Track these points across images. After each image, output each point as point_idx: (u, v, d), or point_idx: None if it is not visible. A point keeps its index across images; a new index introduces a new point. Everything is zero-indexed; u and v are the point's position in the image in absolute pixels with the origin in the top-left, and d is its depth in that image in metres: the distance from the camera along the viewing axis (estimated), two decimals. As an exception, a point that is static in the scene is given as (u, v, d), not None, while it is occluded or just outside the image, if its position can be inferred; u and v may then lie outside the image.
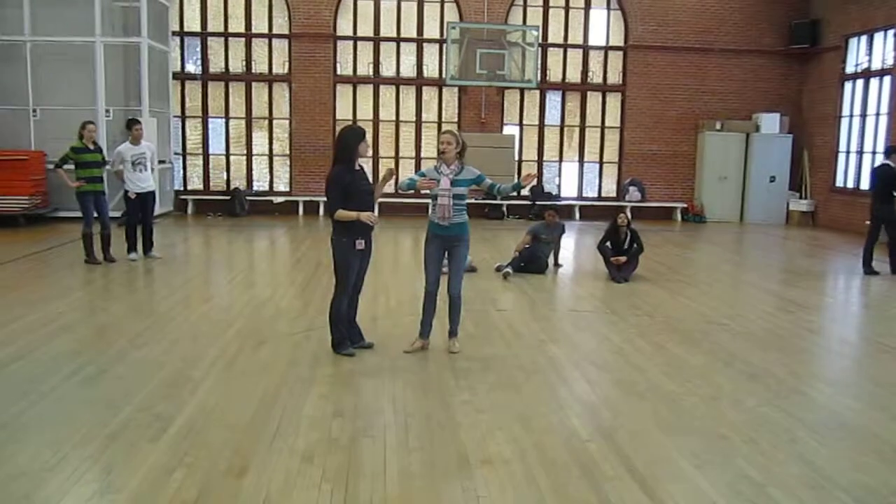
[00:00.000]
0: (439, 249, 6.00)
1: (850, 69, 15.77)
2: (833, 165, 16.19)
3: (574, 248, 12.50)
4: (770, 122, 16.71)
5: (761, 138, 16.73)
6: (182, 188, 16.69)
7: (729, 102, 17.12)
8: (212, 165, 16.90)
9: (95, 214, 9.79)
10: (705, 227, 16.24)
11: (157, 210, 11.30)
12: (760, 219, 16.75)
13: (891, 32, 14.51)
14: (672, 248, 12.66)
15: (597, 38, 17.05)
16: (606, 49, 17.07)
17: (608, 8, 16.90)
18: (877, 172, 10.93)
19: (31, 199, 13.31)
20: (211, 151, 16.85)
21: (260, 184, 16.98)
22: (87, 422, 4.44)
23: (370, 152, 16.25)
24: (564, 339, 6.71)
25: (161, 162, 13.86)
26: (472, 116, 16.76)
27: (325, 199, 5.86)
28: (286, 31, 16.39)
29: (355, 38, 16.58)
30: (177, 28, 16.12)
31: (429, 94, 16.94)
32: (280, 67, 16.54)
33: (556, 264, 10.23)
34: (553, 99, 17.25)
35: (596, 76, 17.14)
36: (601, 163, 17.51)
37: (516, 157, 16.87)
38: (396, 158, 16.92)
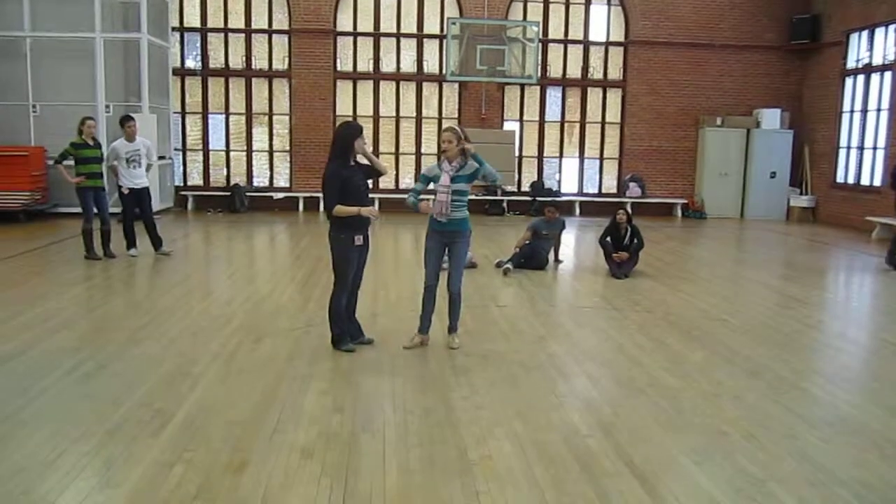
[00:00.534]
0: (439, 245, 6.00)
1: (851, 65, 15.74)
2: (834, 161, 16.18)
3: (574, 243, 12.49)
4: (771, 118, 16.68)
5: (762, 134, 16.70)
6: (182, 184, 16.68)
7: (729, 98, 17.09)
8: (212, 161, 16.89)
9: (95, 210, 9.79)
10: (705, 223, 16.23)
11: (157, 206, 11.29)
12: (761, 215, 16.73)
13: (892, 28, 14.48)
14: (672, 244, 12.65)
15: (597, 33, 17.01)
16: (607, 45, 17.03)
17: (608, 3, 16.87)
18: None
19: (31, 195, 13.31)
20: (211, 147, 16.84)
21: (260, 180, 16.97)
22: (87, 417, 4.44)
23: (368, 148, 16.25)
24: (564, 335, 6.71)
25: (161, 158, 13.84)
26: (472, 112, 16.73)
27: (322, 195, 5.86)
28: (286, 27, 16.36)
29: (355, 34, 16.55)
30: (176, 24, 16.09)
31: (429, 89, 16.92)
32: (280, 63, 16.51)
33: (557, 260, 10.23)
34: (553, 95, 17.22)
35: (596, 72, 17.11)
36: (601, 159, 17.49)
37: (517, 153, 16.84)
38: (396, 154, 16.91)
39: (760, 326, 7.15)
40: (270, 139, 16.89)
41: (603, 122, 17.32)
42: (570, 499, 3.60)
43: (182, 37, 16.41)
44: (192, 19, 16.36)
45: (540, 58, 16.36)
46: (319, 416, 4.55)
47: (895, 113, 14.27)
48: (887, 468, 4.04)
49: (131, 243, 10.06)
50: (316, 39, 16.27)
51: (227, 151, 16.87)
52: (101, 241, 9.79)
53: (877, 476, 3.94)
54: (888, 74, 14.60)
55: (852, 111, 15.73)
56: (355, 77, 16.65)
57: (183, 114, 16.62)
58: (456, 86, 16.67)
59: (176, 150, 16.36)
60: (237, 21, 16.37)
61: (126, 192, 9.89)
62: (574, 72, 17.08)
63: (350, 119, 16.34)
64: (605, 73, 17.14)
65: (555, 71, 17.02)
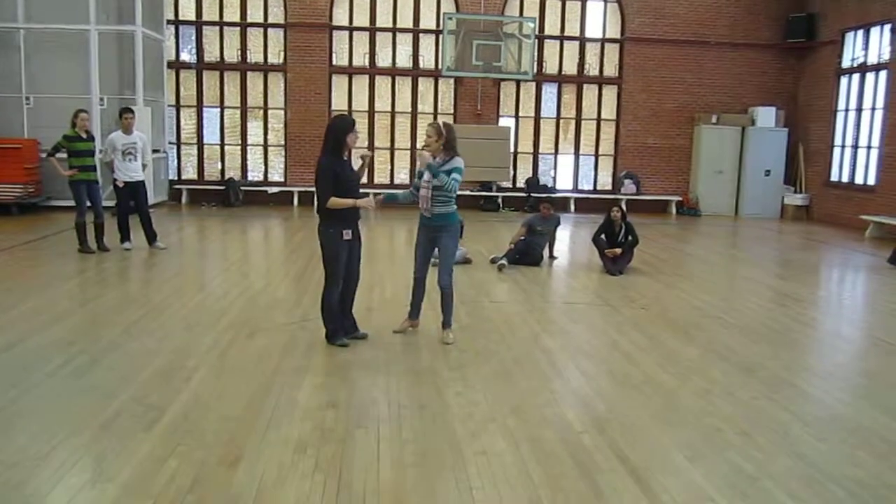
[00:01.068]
0: (426, 239, 6.10)
1: (846, 63, 15.77)
2: (828, 159, 16.21)
3: (569, 240, 12.49)
4: (766, 116, 16.70)
5: (757, 132, 16.73)
6: (176, 178, 16.62)
7: (725, 96, 17.11)
8: (206, 155, 16.84)
9: (89, 203, 9.74)
10: (700, 220, 16.25)
11: (151, 200, 11.23)
12: (755, 212, 16.76)
13: (887, 27, 14.50)
14: (667, 241, 12.66)
15: (593, 30, 17.00)
16: (603, 41, 17.03)
17: (605, 0, 16.85)
18: None
19: (24, 188, 13.25)
20: (205, 141, 16.78)
21: (254, 174, 16.93)
22: (80, 411, 4.42)
23: (359, 142, 16.23)
24: (559, 331, 6.71)
25: (155, 151, 13.79)
26: (467, 108, 16.71)
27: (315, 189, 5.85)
28: (282, 21, 16.30)
29: (351, 28, 16.50)
30: (171, 16, 16.02)
31: (425, 84, 16.88)
32: (275, 57, 16.46)
33: (552, 256, 10.22)
34: (549, 91, 17.21)
35: (592, 68, 17.10)
36: (597, 155, 17.48)
37: (512, 149, 16.83)
38: (392, 149, 16.89)
39: (755, 324, 7.16)
40: (265, 133, 16.83)
41: (598, 119, 17.31)
42: (564, 495, 3.60)
43: (177, 30, 16.34)
44: (188, 12, 16.28)
45: (536, 54, 16.35)
46: (314, 410, 4.54)
47: (890, 112, 14.30)
48: (880, 466, 4.05)
49: (125, 237, 10.02)
50: (312, 33, 16.22)
51: (222, 145, 16.82)
52: (95, 235, 9.75)
53: (870, 474, 3.95)
54: (883, 73, 14.62)
55: (847, 110, 15.76)
56: (351, 71, 16.60)
57: (177, 107, 16.55)
58: (452, 81, 16.64)
59: (170, 143, 16.29)
60: (232, 14, 16.30)
61: (121, 185, 9.85)
62: (570, 68, 17.07)
63: (344, 113, 16.30)
64: (601, 70, 17.13)
65: (551, 67, 17.00)
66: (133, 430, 4.17)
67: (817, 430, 4.52)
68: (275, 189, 16.44)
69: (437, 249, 6.09)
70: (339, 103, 16.57)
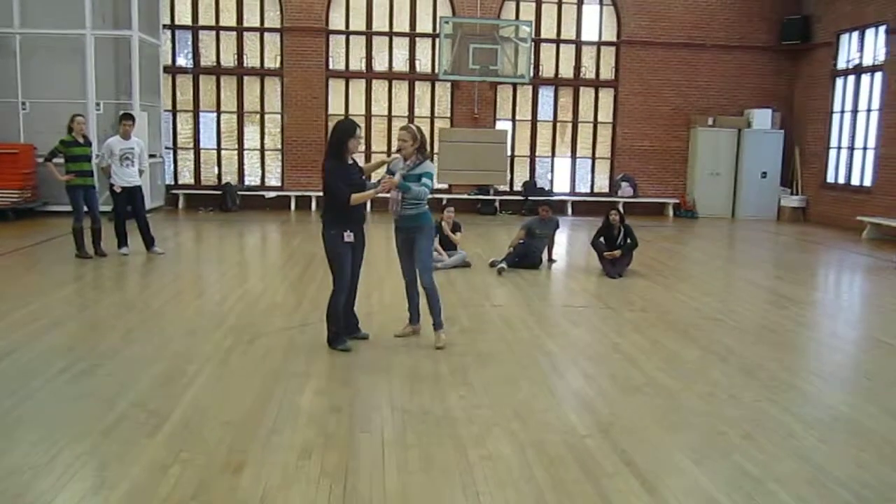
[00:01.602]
0: (402, 241, 6.10)
1: (841, 65, 15.82)
2: (824, 161, 16.27)
3: (567, 243, 12.49)
4: (762, 118, 16.75)
5: (753, 134, 16.78)
6: (173, 182, 16.58)
7: (721, 98, 17.15)
8: (203, 160, 16.81)
9: (86, 209, 9.71)
10: (697, 222, 16.28)
11: (148, 205, 11.20)
12: (752, 214, 16.80)
13: (882, 28, 14.56)
14: (665, 244, 12.67)
15: (589, 33, 17.03)
16: (599, 44, 17.05)
17: (601, 3, 16.89)
18: None
19: (20, 193, 13.20)
20: (202, 146, 16.75)
21: (251, 178, 16.90)
22: (81, 418, 4.39)
23: (362, 147, 16.22)
24: (560, 334, 6.70)
25: (152, 156, 13.75)
26: (464, 111, 16.72)
27: (322, 193, 5.85)
28: (278, 25, 16.29)
29: (347, 33, 16.50)
30: (168, 21, 16.00)
31: (421, 88, 16.89)
32: (272, 61, 16.44)
33: (550, 259, 10.21)
34: (545, 94, 17.23)
35: (588, 71, 17.13)
36: (593, 158, 17.51)
37: (508, 153, 16.84)
38: (388, 153, 16.85)
39: (754, 325, 7.17)
40: (262, 138, 16.81)
41: (595, 122, 17.33)
42: (570, 499, 3.58)
43: (173, 34, 16.31)
44: (184, 17, 16.27)
45: (532, 57, 16.36)
46: (317, 415, 4.52)
47: (885, 113, 14.34)
48: (885, 468, 4.04)
49: (123, 242, 9.98)
50: (308, 38, 16.21)
51: (219, 150, 16.79)
52: (92, 240, 9.71)
53: (875, 476, 3.94)
54: (878, 75, 14.68)
55: (843, 111, 15.82)
56: (347, 76, 16.60)
57: (174, 112, 16.52)
58: (448, 85, 16.65)
59: (167, 148, 16.26)
60: (229, 19, 16.29)
61: (118, 190, 9.81)
62: (566, 71, 17.09)
63: (343, 117, 16.28)
64: (598, 73, 17.15)
65: (547, 70, 17.02)
66: (135, 436, 4.14)
67: (820, 432, 4.51)
68: (272, 194, 16.42)
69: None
70: (335, 107, 16.56)
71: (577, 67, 17.07)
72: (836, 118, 16.02)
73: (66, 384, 4.99)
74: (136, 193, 10.01)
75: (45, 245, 10.73)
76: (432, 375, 5.35)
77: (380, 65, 16.68)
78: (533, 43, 16.26)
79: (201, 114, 16.64)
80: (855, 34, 15.38)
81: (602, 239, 9.58)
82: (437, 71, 16.12)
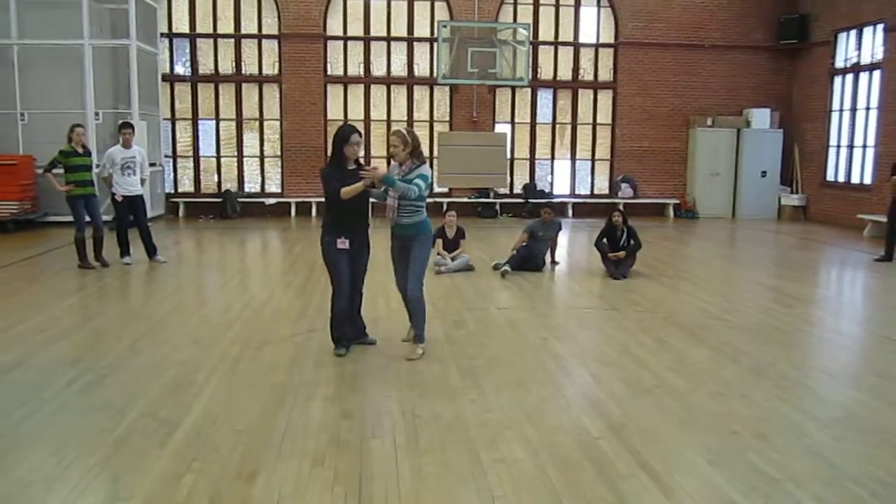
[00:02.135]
0: (398, 249, 5.94)
1: (839, 64, 15.84)
2: (824, 160, 16.27)
3: (568, 245, 12.48)
4: (761, 118, 16.76)
5: (752, 133, 16.79)
6: (173, 191, 16.56)
7: (719, 98, 17.16)
8: (202, 168, 16.79)
9: (88, 218, 9.68)
10: (698, 222, 16.27)
11: (149, 214, 11.16)
12: (752, 214, 16.80)
13: (880, 27, 14.58)
14: (667, 245, 12.67)
15: (587, 35, 17.05)
16: (597, 46, 17.07)
17: (598, 5, 16.91)
18: None
19: (20, 204, 13.17)
20: (201, 154, 16.73)
21: (251, 185, 16.87)
22: (91, 429, 4.37)
23: (361, 153, 16.19)
24: (567, 336, 6.68)
25: (151, 165, 13.71)
26: (463, 115, 16.72)
27: (322, 198, 5.83)
28: (276, 32, 16.29)
29: (345, 38, 16.50)
30: (165, 30, 15.99)
31: (420, 93, 16.88)
32: (270, 68, 16.44)
33: (553, 262, 10.20)
34: (544, 97, 17.24)
35: (587, 73, 17.14)
36: (593, 160, 17.51)
37: (508, 156, 16.83)
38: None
39: (761, 325, 7.15)
40: (261, 145, 16.80)
41: (594, 124, 17.34)
42: (587, 502, 3.56)
43: (171, 42, 16.30)
44: (181, 25, 16.26)
45: (530, 60, 16.36)
46: (328, 422, 4.50)
47: (884, 112, 14.36)
48: (900, 465, 4.03)
49: (125, 251, 9.96)
50: (306, 44, 16.21)
51: (218, 157, 16.77)
52: (94, 248, 9.68)
53: (891, 473, 3.92)
54: (876, 73, 14.69)
55: (841, 110, 15.83)
56: (346, 81, 16.59)
57: (173, 120, 16.51)
58: (447, 89, 16.65)
59: (166, 156, 16.25)
60: (226, 26, 16.29)
61: (120, 199, 9.80)
62: (565, 73, 17.10)
63: (344, 122, 16.29)
64: (596, 75, 17.16)
65: (545, 73, 17.03)
66: (146, 446, 4.12)
67: (834, 431, 4.50)
68: (272, 200, 16.40)
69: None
70: (334, 113, 16.56)
71: (576, 69, 17.07)
72: (834, 116, 16.03)
73: (76, 395, 4.97)
74: (138, 202, 10.00)
75: (47, 256, 10.70)
76: (442, 379, 5.33)
77: (378, 70, 16.68)
78: (531, 45, 16.27)
79: (200, 122, 16.63)
80: (853, 32, 15.40)
81: (605, 240, 9.57)
82: (435, 75, 16.11)
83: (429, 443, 4.20)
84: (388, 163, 5.99)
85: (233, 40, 16.33)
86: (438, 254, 9.71)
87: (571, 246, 12.49)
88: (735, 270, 10.69)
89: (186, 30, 16.27)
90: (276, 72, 16.39)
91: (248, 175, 16.87)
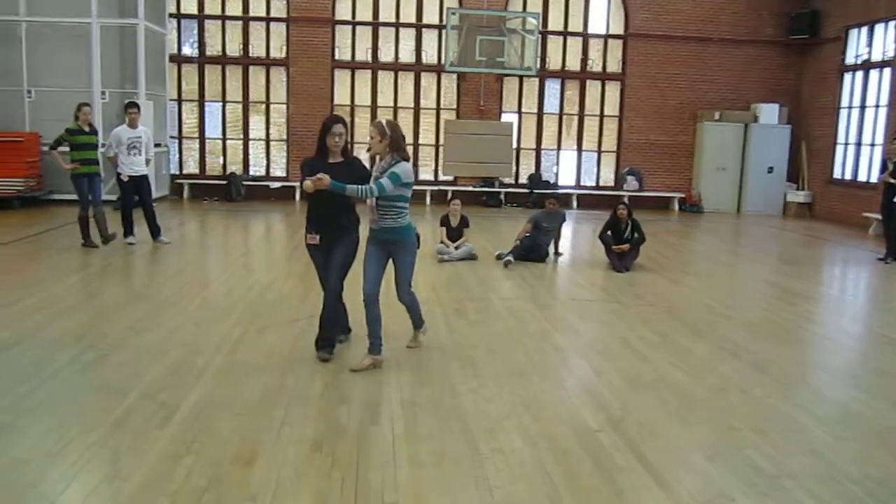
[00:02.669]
0: (376, 249, 5.31)
1: (850, 60, 15.73)
2: (831, 157, 16.19)
3: (572, 236, 12.46)
4: (769, 113, 16.67)
5: (760, 129, 16.69)
6: (178, 172, 16.56)
7: (728, 92, 17.07)
8: (208, 149, 16.78)
9: (90, 196, 9.68)
10: (703, 217, 16.23)
11: (154, 194, 11.16)
12: (758, 209, 16.74)
13: (892, 24, 14.46)
14: (671, 238, 12.64)
15: (596, 26, 16.95)
16: (606, 37, 16.98)
17: (608, -5, 16.82)
18: None
19: (25, 182, 13.18)
20: (207, 135, 16.72)
21: (256, 169, 16.86)
22: (92, 407, 4.39)
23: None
24: (568, 328, 6.68)
25: (157, 145, 13.73)
26: (470, 103, 16.66)
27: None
28: (284, 15, 16.22)
29: (354, 23, 16.43)
30: (174, 10, 15.94)
31: (427, 80, 16.82)
32: (277, 51, 16.38)
33: (557, 253, 10.19)
34: (552, 87, 17.16)
35: (595, 64, 17.06)
36: (599, 151, 17.45)
37: (514, 145, 16.79)
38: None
39: (763, 321, 7.15)
40: (267, 128, 16.77)
41: (601, 115, 17.27)
42: (583, 494, 3.57)
43: (179, 23, 16.25)
44: (190, 6, 16.20)
45: (539, 50, 16.28)
46: (327, 408, 4.51)
47: (893, 109, 14.27)
48: (898, 465, 4.03)
49: (129, 231, 9.97)
50: (314, 28, 16.15)
51: (224, 140, 16.76)
52: (98, 227, 9.67)
53: (889, 472, 3.93)
54: (887, 70, 14.59)
55: (850, 107, 15.73)
56: (353, 66, 16.54)
57: (179, 101, 16.47)
58: (454, 76, 16.58)
59: (172, 137, 16.23)
60: (235, 8, 16.22)
61: (125, 179, 9.80)
62: (573, 64, 17.01)
63: (349, 108, 16.28)
64: (604, 66, 17.08)
65: (554, 63, 16.96)
66: (146, 427, 4.13)
67: (833, 429, 4.50)
68: (277, 184, 16.37)
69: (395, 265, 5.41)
70: (341, 98, 16.52)
71: (584, 60, 16.99)
72: (843, 114, 15.93)
73: (77, 374, 4.98)
74: (143, 183, 10.00)
75: (51, 233, 10.72)
76: (442, 368, 5.34)
77: (386, 56, 16.61)
78: (540, 35, 16.19)
79: (206, 103, 16.60)
80: (864, 29, 15.28)
81: (609, 232, 9.55)
82: (443, 62, 16.05)
83: (427, 431, 4.21)
84: (373, 160, 5.47)
85: (241, 22, 16.27)
86: (441, 242, 9.72)
87: (575, 237, 12.47)
88: (738, 266, 10.67)
89: (195, 11, 16.21)
90: (283, 55, 16.33)
91: (254, 158, 16.86)
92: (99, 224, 9.70)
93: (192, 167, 16.79)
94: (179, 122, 16.56)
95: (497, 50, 15.82)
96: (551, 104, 17.21)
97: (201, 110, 16.62)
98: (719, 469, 3.87)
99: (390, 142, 5.12)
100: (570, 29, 16.86)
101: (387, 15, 16.45)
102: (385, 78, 16.71)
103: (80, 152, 9.61)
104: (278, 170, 16.86)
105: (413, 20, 16.53)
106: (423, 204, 15.95)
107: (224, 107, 16.64)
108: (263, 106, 16.68)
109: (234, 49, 16.35)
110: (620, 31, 16.91)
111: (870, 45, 15.17)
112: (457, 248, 9.64)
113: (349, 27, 16.44)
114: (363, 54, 16.54)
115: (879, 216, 12.71)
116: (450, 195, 14.08)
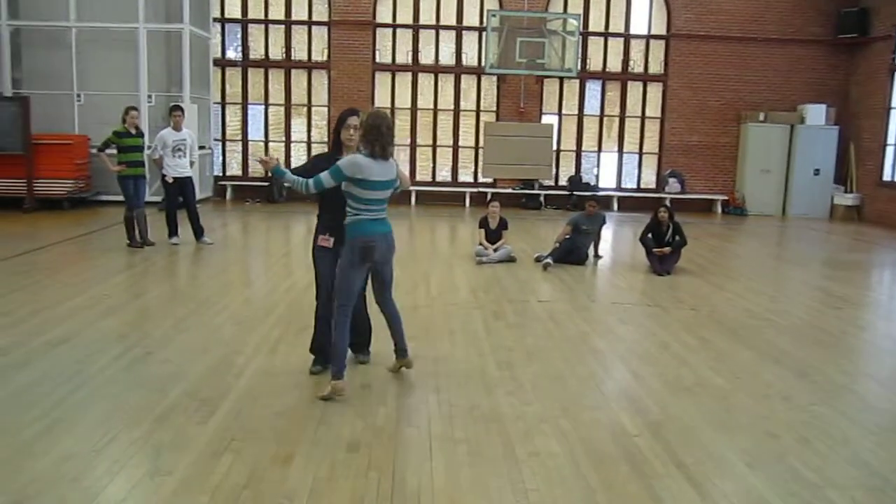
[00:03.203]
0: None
1: (900, 60, 15.35)
2: (881, 158, 15.78)
3: (613, 239, 12.36)
4: (816, 114, 16.32)
5: (806, 130, 16.35)
6: (221, 174, 16.83)
7: (773, 93, 16.76)
8: (250, 152, 17.02)
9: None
10: (746, 220, 15.95)
11: (198, 196, 11.35)
12: (803, 213, 16.39)
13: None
14: (713, 241, 12.45)
15: (638, 26, 16.79)
16: (648, 38, 16.80)
17: (651, -4, 16.65)
18: None
19: (74, 183, 13.52)
20: (250, 138, 16.97)
21: (298, 171, 17.02)
22: (135, 404, 4.47)
23: (407, 140, 16.25)
24: (607, 331, 6.62)
25: (201, 148, 13.97)
26: (510, 105, 16.64)
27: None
28: (326, 19, 16.39)
29: (394, 26, 16.53)
30: (218, 15, 16.22)
31: (467, 82, 16.83)
32: (319, 55, 16.56)
33: (597, 255, 10.11)
34: (593, 88, 17.04)
35: (637, 65, 16.90)
36: (641, 153, 17.27)
37: (555, 147, 16.70)
38: (434, 147, 16.87)
39: (807, 326, 6.99)
40: (308, 130, 16.96)
41: (643, 117, 17.09)
42: (621, 499, 3.53)
43: (223, 28, 16.54)
44: (234, 10, 16.47)
45: (580, 51, 16.18)
46: (363, 409, 4.53)
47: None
48: (948, 476, 3.91)
49: (173, 232, 10.16)
50: (355, 31, 16.28)
51: (266, 142, 16.99)
52: (138, 228, 9.85)
53: (938, 484, 3.81)
54: (940, 70, 14.20)
55: (901, 107, 15.35)
56: (394, 69, 16.63)
57: (223, 104, 16.76)
58: (494, 78, 16.58)
59: (215, 140, 16.51)
60: (277, 12, 16.44)
61: (170, 181, 10.00)
62: (614, 65, 16.88)
63: (388, 110, 16.36)
64: (646, 67, 16.90)
65: (595, 64, 16.84)
66: (188, 424, 4.20)
67: (880, 439, 4.38)
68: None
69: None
70: (382, 101, 16.62)
71: (626, 61, 16.84)
72: (893, 114, 15.53)
73: (121, 371, 5.09)
74: (188, 184, 10.19)
75: (99, 234, 10.98)
76: (479, 370, 5.33)
77: (426, 58, 16.68)
78: (580, 36, 16.09)
79: (249, 106, 16.86)
80: (916, 27, 14.90)
81: (650, 235, 9.45)
82: (483, 64, 16.06)
83: (464, 433, 4.21)
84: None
85: (283, 26, 16.48)
86: (480, 244, 9.71)
87: (615, 240, 12.36)
88: (783, 270, 10.47)
89: (238, 15, 16.47)
90: (325, 58, 16.50)
91: (295, 160, 17.02)
92: (139, 226, 9.90)
93: (234, 169, 17.06)
94: (223, 125, 16.84)
95: (537, 51, 15.77)
96: (592, 105, 17.09)
97: (244, 113, 16.88)
98: (760, 477, 3.80)
99: (361, 133, 4.58)
100: (611, 30, 16.74)
101: (427, 17, 16.52)
102: (425, 80, 16.77)
103: (127, 154, 9.82)
104: (319, 172, 16.96)
105: (453, 22, 16.57)
106: (461, 206, 15.98)
107: (266, 109, 16.87)
108: (305, 108, 16.87)
109: (276, 52, 16.57)
110: (663, 32, 16.73)
111: (922, 43, 14.77)
112: (496, 250, 9.62)
113: (390, 30, 16.54)
114: (403, 57, 16.62)
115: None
116: (489, 197, 14.09)
